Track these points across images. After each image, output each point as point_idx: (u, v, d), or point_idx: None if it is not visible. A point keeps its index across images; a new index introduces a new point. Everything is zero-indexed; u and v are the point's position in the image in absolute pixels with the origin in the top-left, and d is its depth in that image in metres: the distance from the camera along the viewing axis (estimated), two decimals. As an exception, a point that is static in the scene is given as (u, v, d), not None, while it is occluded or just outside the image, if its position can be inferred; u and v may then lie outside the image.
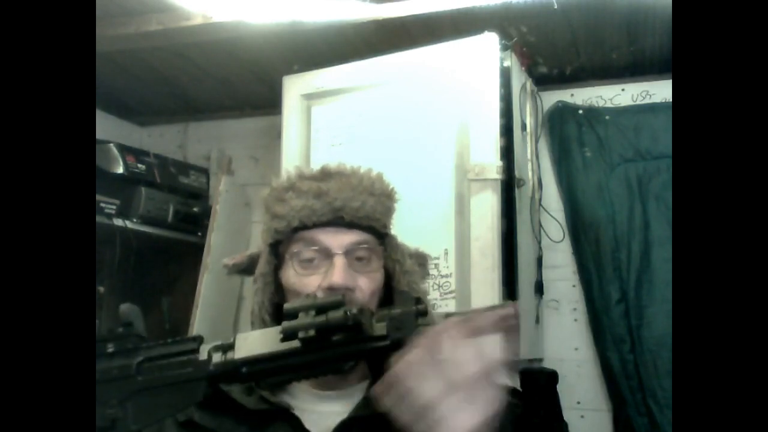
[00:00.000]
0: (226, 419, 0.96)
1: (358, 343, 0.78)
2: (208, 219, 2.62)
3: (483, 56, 1.98)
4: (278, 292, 1.02)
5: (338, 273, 0.95)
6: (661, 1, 1.94)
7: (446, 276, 1.93)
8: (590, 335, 2.36)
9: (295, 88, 2.29)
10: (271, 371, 0.80)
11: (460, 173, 1.97)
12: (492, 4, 1.89)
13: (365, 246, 1.00)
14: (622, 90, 2.45)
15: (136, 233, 2.42)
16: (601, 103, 2.46)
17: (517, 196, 2.08)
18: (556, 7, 1.91)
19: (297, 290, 0.97)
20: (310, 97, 2.27)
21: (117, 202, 2.41)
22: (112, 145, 2.44)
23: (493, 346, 0.72)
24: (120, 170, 2.42)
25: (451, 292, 1.92)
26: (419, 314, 0.79)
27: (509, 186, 2.04)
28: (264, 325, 1.00)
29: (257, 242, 1.09)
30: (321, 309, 0.77)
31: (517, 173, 2.08)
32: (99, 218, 2.29)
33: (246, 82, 2.63)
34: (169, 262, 2.82)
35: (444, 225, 1.94)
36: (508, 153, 2.03)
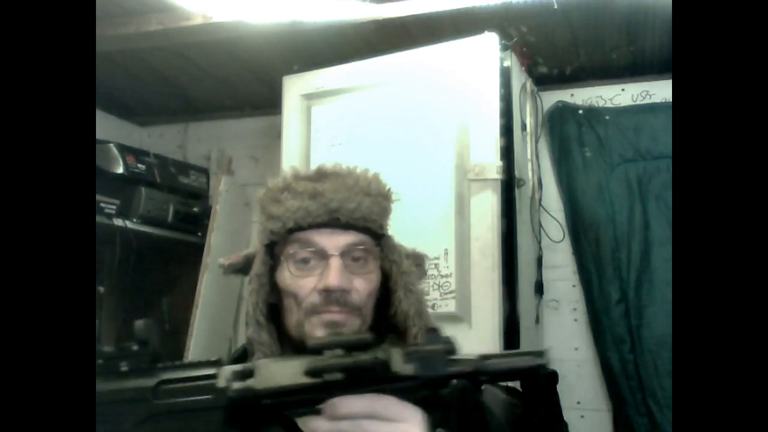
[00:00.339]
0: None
1: (385, 383, 0.76)
2: (208, 219, 2.62)
3: (483, 56, 1.98)
4: (273, 292, 1.02)
5: (334, 275, 0.94)
6: (661, 1, 1.94)
7: (446, 276, 1.93)
8: (590, 335, 2.36)
9: (295, 88, 2.29)
10: (293, 404, 0.78)
11: (460, 173, 1.97)
12: (492, 4, 1.88)
13: (361, 247, 0.99)
14: (622, 90, 2.45)
15: (136, 233, 2.42)
16: (601, 103, 2.46)
17: (517, 196, 2.08)
18: (556, 7, 1.91)
19: (292, 292, 0.97)
20: (310, 97, 2.27)
21: (117, 202, 2.41)
22: (112, 145, 2.44)
23: None
24: (120, 170, 2.42)
25: (451, 292, 1.92)
26: (448, 353, 0.78)
27: (509, 186, 2.04)
28: (258, 326, 0.99)
29: (257, 242, 1.08)
30: (348, 347, 0.76)
31: (517, 173, 2.08)
32: (99, 218, 2.29)
33: (246, 82, 2.63)
34: (169, 262, 2.82)
35: (444, 225, 1.94)
36: (508, 153, 2.03)
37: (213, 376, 0.79)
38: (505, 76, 2.05)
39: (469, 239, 1.94)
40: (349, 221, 0.98)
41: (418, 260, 1.10)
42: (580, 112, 2.45)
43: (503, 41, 2.03)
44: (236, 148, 2.89)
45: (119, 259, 2.41)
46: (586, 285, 2.37)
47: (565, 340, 2.39)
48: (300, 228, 0.98)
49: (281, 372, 0.78)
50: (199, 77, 2.58)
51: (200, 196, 2.77)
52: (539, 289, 2.36)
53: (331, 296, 0.95)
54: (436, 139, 2.01)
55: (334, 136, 2.19)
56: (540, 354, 0.75)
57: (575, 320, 2.41)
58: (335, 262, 0.96)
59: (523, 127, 2.20)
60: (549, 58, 2.36)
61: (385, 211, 1.05)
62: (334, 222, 0.98)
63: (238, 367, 0.79)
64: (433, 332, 0.79)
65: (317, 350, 0.76)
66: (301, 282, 0.97)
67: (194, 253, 2.60)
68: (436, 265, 1.91)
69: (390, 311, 1.02)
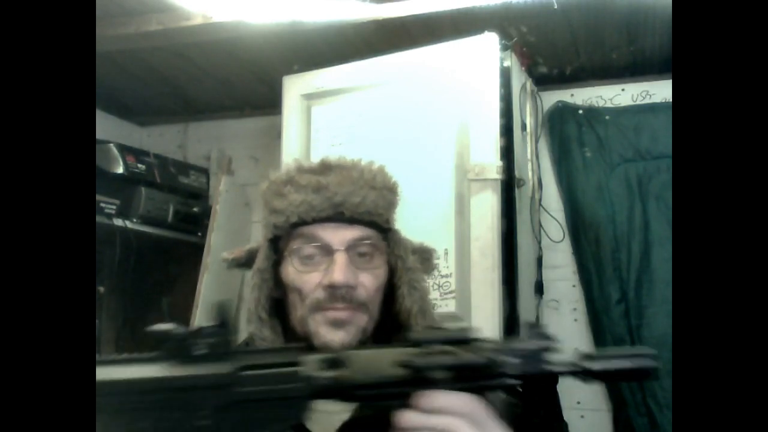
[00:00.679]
0: None
1: (485, 379, 0.74)
2: (208, 219, 2.62)
3: (483, 56, 1.98)
4: (277, 288, 1.00)
5: (339, 270, 0.92)
6: (661, 1, 1.94)
7: (446, 276, 1.93)
8: (590, 335, 2.36)
9: (295, 88, 2.29)
10: (384, 397, 0.74)
11: (460, 173, 1.97)
12: (492, 4, 1.88)
13: (367, 242, 0.97)
14: (622, 90, 2.45)
15: (136, 233, 2.42)
16: (601, 103, 2.46)
17: (517, 196, 2.08)
18: (556, 7, 1.91)
19: (297, 287, 0.95)
20: (310, 97, 2.27)
21: (117, 202, 2.41)
22: (112, 145, 2.44)
23: None
24: (120, 170, 2.42)
25: (451, 292, 1.92)
26: (549, 349, 0.76)
27: (509, 186, 2.04)
28: (261, 322, 0.98)
29: (260, 237, 1.07)
30: (451, 343, 0.73)
31: (517, 173, 2.08)
32: (99, 218, 2.29)
33: (246, 82, 2.63)
34: (169, 262, 2.82)
35: (444, 225, 1.94)
36: (508, 153, 2.03)
37: (297, 364, 0.75)
38: (505, 76, 2.05)
39: (469, 239, 1.94)
40: (354, 215, 0.96)
41: (425, 254, 1.08)
42: (580, 112, 2.45)
43: (503, 41, 2.03)
44: (236, 148, 2.89)
45: (119, 259, 2.41)
46: (586, 285, 2.37)
47: (565, 340, 2.36)
48: (304, 222, 0.96)
49: (374, 363, 0.75)
50: (199, 77, 2.58)
51: (200, 196, 2.77)
52: (539, 289, 2.36)
53: (336, 292, 0.93)
54: (436, 139, 2.01)
55: (334, 136, 2.19)
56: (649, 356, 0.71)
57: (575, 320, 2.41)
58: (340, 258, 0.94)
59: (523, 127, 2.20)
60: (549, 58, 2.36)
61: (391, 205, 1.03)
62: (339, 216, 0.96)
63: (325, 355, 0.76)
64: (533, 327, 0.76)
65: (417, 345, 0.73)
66: (306, 277, 0.95)
67: (194, 253, 2.60)
68: (436, 264, 1.91)
69: (394, 308, 1.01)
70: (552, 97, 2.48)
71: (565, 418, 2.26)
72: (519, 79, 2.16)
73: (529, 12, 1.99)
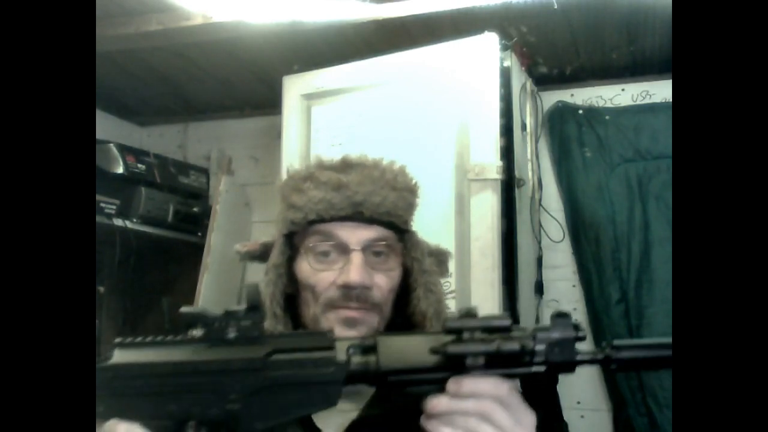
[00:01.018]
0: None
1: (517, 366, 0.74)
2: (208, 219, 2.62)
3: (483, 56, 1.98)
4: (291, 284, 0.99)
5: (355, 270, 0.92)
6: (661, 1, 1.94)
7: (446, 276, 1.93)
8: (590, 335, 2.36)
9: (295, 88, 2.29)
10: (416, 383, 0.74)
11: (460, 173, 1.97)
12: (492, 4, 1.88)
13: (384, 242, 0.96)
14: (622, 90, 2.45)
15: (136, 233, 2.42)
16: (601, 103, 2.46)
17: (517, 196, 2.08)
18: (556, 7, 1.91)
19: (311, 285, 0.94)
20: (310, 97, 2.27)
21: (117, 202, 2.41)
22: (112, 145, 2.44)
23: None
24: (120, 170, 2.42)
25: (451, 292, 1.92)
26: (578, 339, 0.75)
27: (509, 186, 2.04)
28: (275, 318, 0.96)
29: (272, 236, 1.06)
30: (488, 330, 0.73)
31: (517, 173, 2.08)
32: (99, 218, 2.29)
33: (246, 82, 2.63)
34: (169, 262, 2.82)
35: (444, 225, 1.94)
36: (508, 153, 2.03)
37: (329, 348, 0.75)
38: (505, 76, 2.05)
39: (469, 239, 1.94)
40: (373, 215, 0.95)
41: (441, 256, 1.07)
42: (580, 112, 2.45)
43: (503, 41, 2.03)
44: (236, 148, 2.89)
45: (119, 259, 2.41)
46: (586, 285, 2.37)
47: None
48: (322, 220, 0.95)
49: (406, 349, 0.74)
50: (199, 77, 2.58)
51: (200, 196, 2.77)
52: (539, 289, 2.36)
53: (350, 292, 0.92)
54: (436, 139, 2.01)
55: (334, 136, 2.19)
56: (668, 345, 0.72)
57: (575, 320, 2.41)
58: (357, 257, 0.93)
59: (523, 127, 2.20)
60: (549, 58, 2.36)
61: (410, 206, 1.02)
62: (358, 216, 0.95)
63: (357, 340, 0.76)
64: (562, 317, 0.76)
65: (456, 331, 0.73)
66: (320, 275, 0.94)
67: (194, 253, 2.60)
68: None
69: (408, 310, 1.00)
70: (552, 97, 2.48)
71: (565, 418, 2.26)
72: (519, 79, 2.16)
73: (529, 12, 1.99)
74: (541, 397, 0.80)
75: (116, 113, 2.97)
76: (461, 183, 1.96)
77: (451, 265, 1.94)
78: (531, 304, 2.27)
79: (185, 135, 3.06)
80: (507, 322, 0.74)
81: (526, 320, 2.17)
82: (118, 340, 0.77)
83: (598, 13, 2.04)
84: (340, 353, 0.74)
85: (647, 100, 2.41)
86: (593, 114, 2.44)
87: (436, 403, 0.72)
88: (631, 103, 2.43)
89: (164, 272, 2.82)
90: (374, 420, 0.92)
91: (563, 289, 2.43)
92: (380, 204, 0.96)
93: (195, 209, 2.69)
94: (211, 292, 2.50)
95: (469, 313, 0.75)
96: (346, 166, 0.99)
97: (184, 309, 0.76)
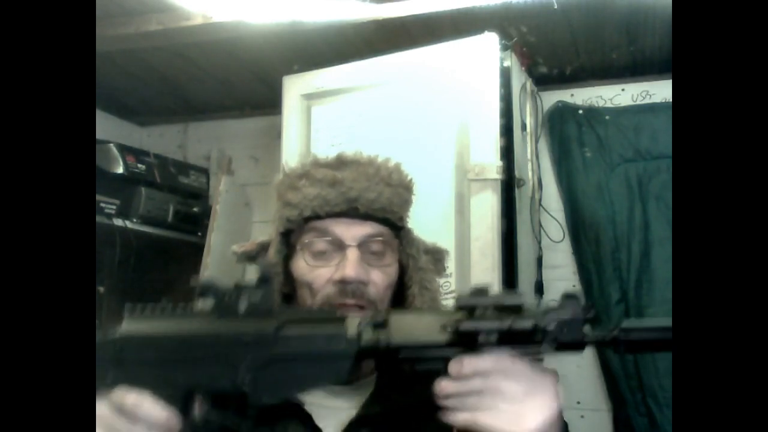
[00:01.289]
0: (231, 411, 0.93)
1: (529, 344, 0.74)
2: (208, 219, 2.62)
3: (483, 56, 1.98)
4: (288, 282, 0.99)
5: (351, 266, 0.92)
6: (661, 1, 1.94)
7: (446, 276, 1.92)
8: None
9: (295, 88, 2.29)
10: (426, 359, 0.74)
11: (460, 173, 1.97)
12: (492, 4, 1.88)
13: (380, 239, 0.97)
14: (622, 90, 2.45)
15: (136, 233, 2.42)
16: (601, 103, 2.46)
17: (517, 196, 2.08)
18: (556, 7, 1.91)
19: (308, 282, 0.95)
20: (310, 97, 2.27)
21: (117, 202, 2.41)
22: (112, 145, 2.44)
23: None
24: (120, 170, 2.42)
25: (450, 292, 1.91)
26: (587, 320, 0.75)
27: (509, 186, 2.04)
28: None
29: (269, 235, 1.06)
30: (501, 308, 0.73)
31: (517, 173, 2.08)
32: (99, 218, 2.29)
33: (246, 82, 2.63)
34: (169, 262, 2.82)
35: (444, 225, 1.94)
36: (508, 153, 2.03)
37: (339, 323, 0.75)
38: (505, 76, 2.05)
39: (469, 239, 1.94)
40: (368, 211, 0.96)
41: (437, 255, 1.07)
42: (580, 112, 2.45)
43: (503, 41, 2.02)
44: (236, 148, 2.89)
45: (119, 259, 2.40)
46: (586, 285, 2.37)
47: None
48: (317, 216, 0.95)
49: (417, 326, 0.74)
50: (199, 77, 2.58)
51: (200, 196, 2.77)
52: (539, 289, 2.36)
53: (347, 288, 0.92)
54: (436, 139, 2.00)
55: (334, 136, 2.19)
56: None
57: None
58: (352, 253, 0.93)
59: (523, 127, 2.20)
60: (549, 58, 2.36)
61: (405, 203, 1.02)
62: (353, 211, 0.95)
63: (367, 316, 0.76)
64: (572, 298, 0.76)
65: (469, 309, 0.73)
66: (317, 272, 0.94)
67: (194, 253, 2.60)
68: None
69: (403, 306, 1.01)
70: (552, 97, 2.48)
71: (565, 418, 2.26)
72: (519, 79, 2.16)
73: (529, 12, 1.99)
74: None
75: (116, 113, 2.97)
76: (461, 183, 1.96)
77: (451, 265, 1.95)
78: (531, 304, 2.26)
79: (185, 135, 3.06)
80: (519, 300, 0.74)
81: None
82: (127, 310, 0.77)
83: (598, 13, 2.04)
84: (351, 329, 0.74)
85: (647, 100, 2.41)
86: (593, 114, 2.44)
87: (444, 386, 0.72)
88: (631, 103, 2.43)
89: (164, 272, 2.81)
90: (374, 418, 0.93)
91: (563, 289, 2.38)
92: (375, 200, 0.96)
93: (195, 209, 2.68)
94: (211, 292, 2.49)
95: (481, 291, 0.75)
96: (341, 163, 0.99)
97: (196, 279, 0.76)
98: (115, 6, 2.01)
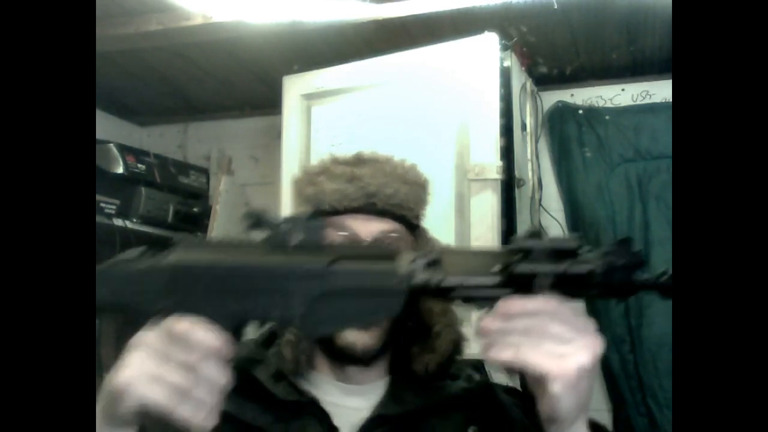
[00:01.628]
0: (250, 406, 0.92)
1: (583, 288, 0.73)
2: (208, 219, 2.62)
3: (483, 56, 1.98)
4: None
5: None
6: (661, 1, 1.94)
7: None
8: (590, 335, 2.35)
9: (295, 88, 2.29)
10: (478, 299, 0.73)
11: (460, 173, 1.97)
12: (492, 4, 1.88)
13: (395, 235, 0.97)
14: (622, 90, 2.45)
15: (136, 233, 2.42)
16: (601, 103, 2.46)
17: (517, 196, 2.08)
18: (556, 7, 1.91)
19: None
20: (310, 97, 2.27)
21: (117, 202, 2.41)
22: (112, 145, 2.44)
23: None
24: (120, 170, 2.42)
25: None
26: (638, 266, 0.74)
27: (509, 186, 2.04)
28: None
29: None
30: (557, 252, 0.72)
31: (517, 173, 2.08)
32: (99, 218, 2.29)
33: (246, 82, 2.63)
34: (169, 262, 2.82)
35: (444, 225, 1.94)
36: (508, 153, 2.03)
37: (392, 260, 0.74)
38: (505, 76, 2.05)
39: (469, 239, 1.94)
40: (385, 207, 0.97)
41: None
42: (580, 112, 2.45)
43: (503, 41, 2.02)
44: (236, 148, 2.89)
45: (119, 259, 2.40)
46: (586, 285, 2.37)
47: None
48: (335, 212, 0.96)
49: (471, 265, 0.73)
50: (199, 77, 2.58)
51: (200, 196, 2.77)
52: (539, 288, 2.36)
53: None
54: (436, 139, 2.00)
55: (334, 136, 2.19)
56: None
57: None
58: None
59: (523, 127, 2.20)
60: (549, 58, 2.36)
61: (421, 201, 1.04)
62: (370, 207, 0.97)
63: (421, 253, 0.75)
64: (624, 243, 0.74)
65: (525, 251, 0.72)
66: None
67: (194, 253, 2.59)
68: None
69: (416, 306, 1.01)
70: (552, 97, 2.48)
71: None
72: (519, 79, 2.16)
73: (529, 12, 1.99)
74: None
75: (116, 113, 2.97)
76: (461, 183, 1.96)
77: (451, 265, 1.95)
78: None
79: (185, 135, 3.06)
80: (575, 243, 0.73)
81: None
82: (177, 241, 0.77)
83: (598, 13, 2.04)
84: (404, 266, 0.74)
85: (647, 100, 2.41)
86: (593, 114, 2.44)
87: (489, 323, 0.71)
88: (631, 103, 2.43)
89: (164, 272, 2.81)
90: (390, 419, 0.93)
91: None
92: (392, 195, 0.97)
93: (195, 209, 2.68)
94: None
95: (536, 234, 0.74)
96: (359, 161, 1.01)
97: (249, 210, 0.76)
98: (115, 6, 2.01)
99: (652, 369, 2.20)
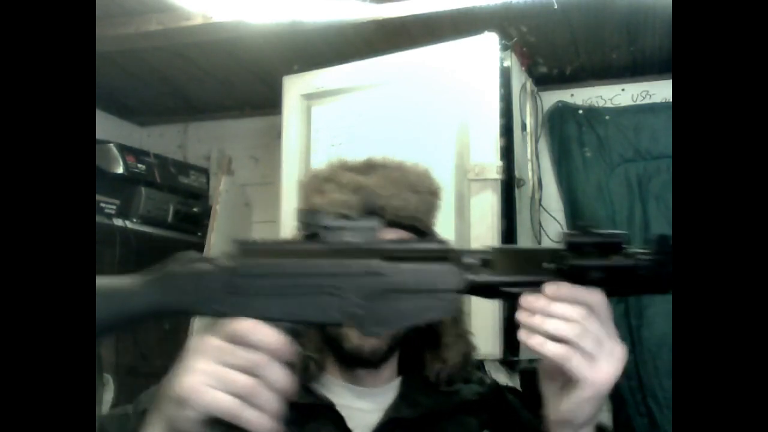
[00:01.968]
0: None
1: (630, 284, 0.74)
2: (208, 219, 2.62)
3: (483, 56, 1.98)
4: None
5: None
6: (661, 1, 1.94)
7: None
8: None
9: (295, 88, 2.29)
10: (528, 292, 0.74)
11: (460, 173, 1.97)
12: (492, 4, 1.88)
13: None
14: (622, 90, 2.45)
15: (136, 233, 2.42)
16: (601, 103, 2.46)
17: (517, 196, 2.08)
18: (556, 7, 1.91)
19: None
20: (310, 97, 2.27)
21: (117, 202, 2.41)
22: (112, 145, 2.44)
23: None
24: (120, 170, 2.42)
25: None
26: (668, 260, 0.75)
27: (509, 186, 2.03)
28: None
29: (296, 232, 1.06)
30: (604, 248, 0.73)
31: (517, 173, 2.07)
32: (99, 218, 2.29)
33: (246, 82, 2.63)
34: (169, 262, 2.82)
35: (444, 225, 1.92)
36: (508, 153, 2.03)
37: (446, 258, 0.75)
38: (505, 76, 2.05)
39: (469, 239, 1.94)
40: (394, 219, 0.96)
41: None
42: (580, 112, 2.45)
43: (503, 41, 2.02)
44: (236, 148, 2.89)
45: (119, 259, 2.40)
46: (585, 285, 2.37)
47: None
48: None
49: (523, 261, 0.75)
50: (199, 77, 2.58)
51: (200, 196, 2.77)
52: (539, 288, 2.36)
53: None
54: (436, 139, 2.00)
55: (334, 136, 2.19)
56: None
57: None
58: None
59: (523, 127, 2.20)
60: (549, 58, 2.36)
61: (432, 209, 1.03)
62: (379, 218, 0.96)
63: (476, 250, 0.76)
64: (664, 239, 0.75)
65: (576, 247, 0.73)
66: None
67: (194, 254, 2.59)
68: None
69: None
70: (552, 97, 2.48)
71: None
72: (519, 79, 2.16)
73: (529, 12, 1.99)
74: (542, 397, 0.80)
75: (116, 113, 2.97)
76: (461, 183, 1.96)
77: (451, 265, 1.95)
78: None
79: (185, 135, 3.06)
80: (622, 239, 0.74)
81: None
82: (234, 243, 0.77)
83: (598, 13, 2.04)
84: (459, 264, 0.74)
85: (647, 100, 2.41)
86: (593, 114, 2.44)
87: (533, 299, 0.71)
88: (631, 103, 2.43)
89: (164, 272, 2.81)
90: (404, 422, 0.93)
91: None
92: (402, 207, 0.96)
93: (195, 209, 2.68)
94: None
95: (586, 230, 0.75)
96: (368, 167, 0.99)
97: (303, 210, 0.78)
98: (115, 6, 2.01)
99: (652, 369, 2.20)
